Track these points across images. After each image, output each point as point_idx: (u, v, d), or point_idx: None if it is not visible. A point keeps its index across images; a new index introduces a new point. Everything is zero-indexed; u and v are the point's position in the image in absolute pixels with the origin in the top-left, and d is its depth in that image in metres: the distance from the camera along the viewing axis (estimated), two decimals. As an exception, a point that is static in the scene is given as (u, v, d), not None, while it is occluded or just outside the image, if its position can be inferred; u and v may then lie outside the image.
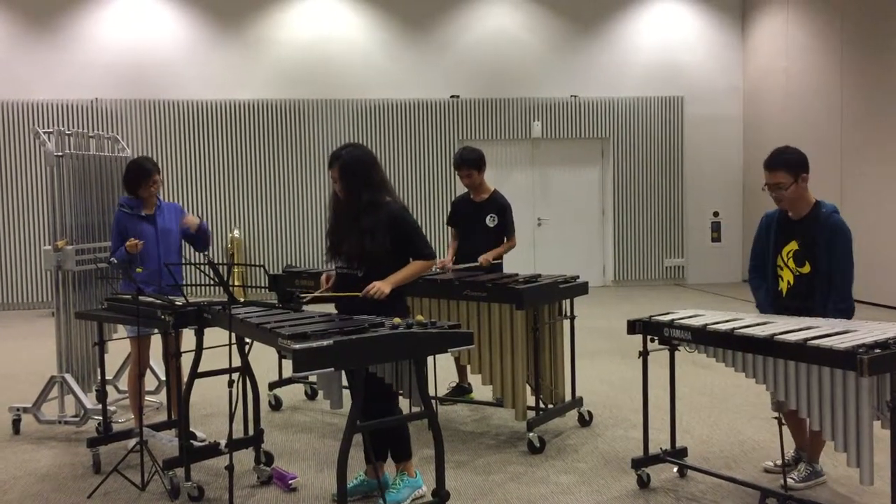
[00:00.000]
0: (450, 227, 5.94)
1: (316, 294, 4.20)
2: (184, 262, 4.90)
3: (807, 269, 3.95)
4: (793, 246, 4.01)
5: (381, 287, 3.84)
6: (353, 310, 3.84)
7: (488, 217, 5.66)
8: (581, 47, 12.51)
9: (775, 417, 3.68)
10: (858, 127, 10.31)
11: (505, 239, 5.70)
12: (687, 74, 12.72)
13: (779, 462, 4.25)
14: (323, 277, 4.18)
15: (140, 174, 4.88)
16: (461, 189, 5.86)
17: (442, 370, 5.79)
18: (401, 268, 3.95)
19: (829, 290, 3.89)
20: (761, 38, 12.38)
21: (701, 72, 12.77)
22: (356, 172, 3.92)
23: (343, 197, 3.98)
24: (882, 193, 9.89)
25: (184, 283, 4.99)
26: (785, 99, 11.75)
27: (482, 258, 5.50)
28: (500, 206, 5.69)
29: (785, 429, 3.92)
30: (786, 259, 4.04)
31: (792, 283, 4.01)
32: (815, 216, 3.96)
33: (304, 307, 3.95)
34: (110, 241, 5.13)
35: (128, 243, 4.76)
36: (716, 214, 12.94)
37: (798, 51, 11.49)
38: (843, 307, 3.87)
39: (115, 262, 4.84)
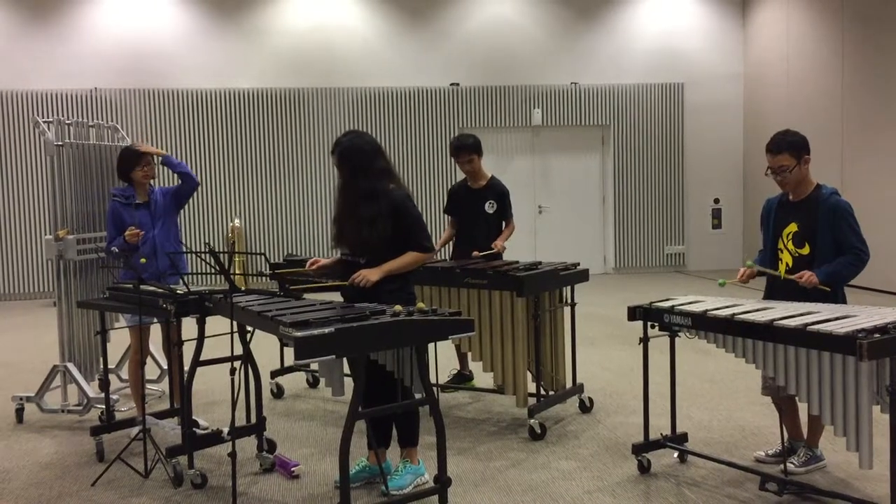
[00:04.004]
0: (447, 216, 5.95)
1: (306, 287, 4.21)
2: (185, 250, 4.90)
3: (806, 250, 3.95)
4: (792, 228, 4.01)
5: (368, 276, 3.85)
6: (359, 298, 3.85)
7: (487, 203, 5.66)
8: (581, 34, 12.47)
9: (775, 403, 3.70)
10: (859, 113, 10.29)
11: (504, 224, 5.72)
12: (687, 61, 12.68)
13: (770, 452, 4.27)
14: (308, 262, 4.21)
15: (132, 156, 4.92)
16: (461, 177, 5.86)
17: (443, 357, 5.81)
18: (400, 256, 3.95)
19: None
20: (762, 24, 12.34)
21: (701, 58, 12.74)
22: (354, 160, 3.92)
23: (343, 184, 3.99)
24: (883, 180, 9.88)
25: (187, 271, 4.99)
26: (786, 85, 11.72)
27: (496, 243, 5.53)
28: (499, 192, 5.69)
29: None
30: (785, 241, 4.04)
31: (791, 265, 4.01)
32: (816, 198, 3.96)
33: (305, 295, 3.96)
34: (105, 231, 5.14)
35: (127, 233, 4.77)
36: (716, 201, 12.94)
37: (799, 37, 11.45)
38: (841, 270, 3.83)
39: (116, 251, 4.85)
